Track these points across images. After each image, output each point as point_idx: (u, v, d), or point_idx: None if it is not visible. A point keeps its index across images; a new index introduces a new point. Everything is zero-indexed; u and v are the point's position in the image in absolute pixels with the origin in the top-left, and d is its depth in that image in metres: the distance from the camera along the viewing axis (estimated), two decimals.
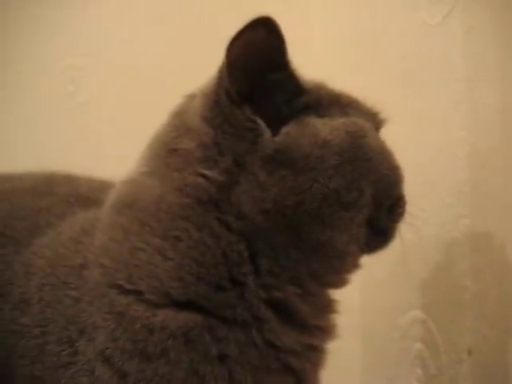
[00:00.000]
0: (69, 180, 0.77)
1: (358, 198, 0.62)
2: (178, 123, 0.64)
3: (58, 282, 0.63)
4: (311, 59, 1.03)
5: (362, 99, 0.67)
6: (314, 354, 0.65)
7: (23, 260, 0.65)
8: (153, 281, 0.60)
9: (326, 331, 0.66)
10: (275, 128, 0.61)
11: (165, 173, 0.63)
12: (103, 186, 0.70)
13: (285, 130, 0.61)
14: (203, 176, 0.60)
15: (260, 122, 0.60)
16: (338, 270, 0.65)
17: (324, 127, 0.63)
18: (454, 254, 0.80)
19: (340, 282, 0.66)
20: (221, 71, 0.59)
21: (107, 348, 0.59)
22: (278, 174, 0.60)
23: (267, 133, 0.61)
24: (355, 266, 0.66)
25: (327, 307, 0.66)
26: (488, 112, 0.78)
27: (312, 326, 0.64)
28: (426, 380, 0.86)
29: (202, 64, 1.24)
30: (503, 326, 0.76)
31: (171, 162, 0.63)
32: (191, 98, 0.65)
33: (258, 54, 0.59)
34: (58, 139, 1.24)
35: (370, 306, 0.98)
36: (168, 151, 0.63)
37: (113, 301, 0.60)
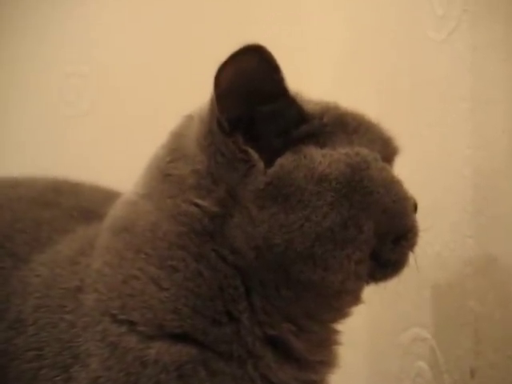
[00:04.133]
0: (75, 190, 0.76)
1: (355, 235, 0.59)
2: (175, 146, 0.62)
3: (53, 305, 0.62)
4: (313, 75, 1.03)
5: (375, 122, 0.64)
6: None
7: (21, 277, 0.64)
8: (147, 312, 0.58)
9: (325, 364, 0.64)
10: (270, 159, 0.58)
11: (159, 198, 0.61)
12: (108, 198, 0.69)
13: (279, 161, 0.59)
14: (196, 205, 0.59)
15: (252, 152, 0.58)
16: (335, 307, 0.63)
17: (323, 159, 0.60)
18: (458, 274, 0.80)
19: (339, 317, 0.64)
20: (212, 99, 0.57)
21: (100, 377, 0.58)
22: (269, 210, 0.58)
23: (260, 164, 0.58)
24: (355, 301, 0.64)
25: (326, 341, 0.64)
26: (493, 131, 0.77)
27: (310, 361, 0.62)
28: None
29: (205, 71, 1.24)
30: (507, 349, 0.75)
31: (165, 188, 0.61)
32: (189, 119, 0.63)
33: (248, 83, 0.57)
34: (59, 147, 1.24)
35: (373, 322, 0.97)
36: (163, 176, 0.62)
37: (106, 329, 0.59)
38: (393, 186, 0.61)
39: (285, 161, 0.58)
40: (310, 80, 1.04)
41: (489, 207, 0.77)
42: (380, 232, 0.60)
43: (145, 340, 0.58)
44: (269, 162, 0.58)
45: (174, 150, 0.62)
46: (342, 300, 0.63)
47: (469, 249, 0.78)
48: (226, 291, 0.58)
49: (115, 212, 0.64)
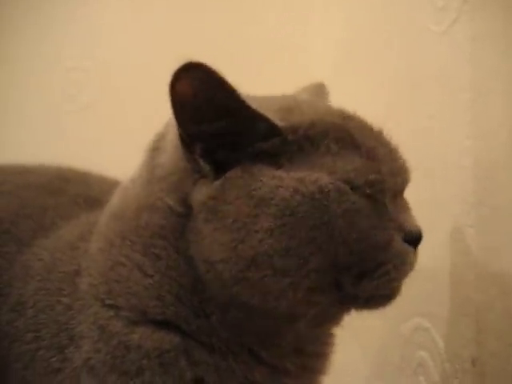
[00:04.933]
0: (82, 179, 0.77)
1: (300, 264, 0.55)
2: (163, 133, 0.63)
3: (52, 288, 0.64)
4: (311, 67, 1.03)
5: (374, 146, 0.59)
6: None
7: (24, 261, 0.66)
8: (131, 297, 0.60)
9: (306, 371, 0.64)
10: (221, 173, 0.57)
11: (140, 185, 0.62)
12: (114, 188, 0.69)
13: (226, 175, 0.57)
14: (162, 200, 0.59)
15: (203, 164, 0.57)
16: (297, 330, 0.61)
17: (268, 181, 0.56)
18: (459, 264, 0.80)
19: (315, 335, 0.63)
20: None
21: (91, 358, 0.60)
22: (211, 225, 0.56)
23: (210, 176, 0.57)
24: (327, 324, 0.63)
25: (301, 352, 0.63)
26: (493, 122, 0.77)
27: (283, 368, 0.62)
28: None
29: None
30: (508, 338, 0.76)
31: (144, 175, 0.62)
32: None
33: (196, 100, 0.55)
34: (60, 141, 1.24)
35: (373, 313, 0.97)
36: (145, 162, 0.63)
37: (96, 313, 0.61)
38: (356, 221, 0.56)
39: (230, 176, 0.57)
40: (309, 72, 1.05)
41: (489, 198, 0.77)
42: (339, 264, 0.56)
43: (129, 325, 0.59)
44: (219, 176, 0.57)
45: (161, 136, 0.63)
46: (303, 323, 0.60)
47: (469, 239, 0.78)
48: (198, 288, 0.59)
49: (112, 198, 0.66)
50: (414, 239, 0.60)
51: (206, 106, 0.55)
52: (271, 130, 0.57)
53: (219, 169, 0.57)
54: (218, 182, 0.57)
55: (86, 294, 0.62)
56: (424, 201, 0.80)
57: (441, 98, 0.81)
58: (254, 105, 0.56)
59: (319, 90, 0.74)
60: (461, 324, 0.79)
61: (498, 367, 0.76)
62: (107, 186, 0.74)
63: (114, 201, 0.65)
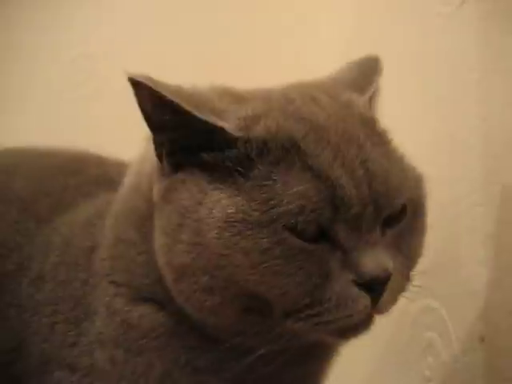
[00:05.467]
0: (100, 162, 0.78)
1: (222, 287, 0.53)
2: None
3: (70, 263, 0.65)
4: (322, 51, 1.04)
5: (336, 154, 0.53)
6: None
7: (44, 236, 0.67)
8: (129, 274, 0.61)
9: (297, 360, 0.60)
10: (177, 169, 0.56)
11: (136, 175, 0.63)
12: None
13: (174, 177, 0.56)
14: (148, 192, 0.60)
15: (165, 163, 0.57)
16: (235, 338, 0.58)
17: (196, 195, 0.54)
18: (468, 242, 0.81)
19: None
20: None
21: (101, 333, 0.61)
22: (157, 223, 0.57)
23: (166, 168, 0.56)
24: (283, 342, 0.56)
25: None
26: (501, 101, 0.77)
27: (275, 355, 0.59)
28: (438, 368, 0.86)
29: (215, 53, 1.25)
30: None
31: (140, 169, 0.63)
32: None
33: (145, 113, 0.55)
34: (69, 128, 1.25)
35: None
36: (142, 157, 0.64)
37: (105, 289, 0.62)
38: (265, 260, 0.51)
39: (175, 179, 0.56)
40: (317, 56, 1.06)
41: (498, 176, 0.77)
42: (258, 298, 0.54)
43: (129, 303, 0.61)
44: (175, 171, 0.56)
45: None
46: (236, 335, 0.57)
47: (478, 217, 0.79)
48: None
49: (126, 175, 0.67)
50: (367, 283, 0.52)
51: (158, 118, 0.54)
52: (226, 140, 0.54)
53: (178, 170, 0.57)
54: (166, 182, 0.56)
55: (98, 269, 0.63)
56: (432, 180, 0.81)
57: (449, 78, 0.82)
58: (214, 111, 0.54)
59: (372, 64, 0.68)
60: (469, 302, 0.79)
61: (506, 344, 0.77)
62: (123, 167, 0.75)
63: (126, 177, 0.66)
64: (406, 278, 0.58)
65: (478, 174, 0.78)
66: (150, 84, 0.53)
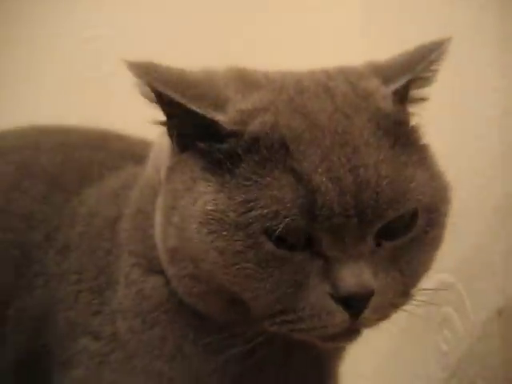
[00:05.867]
0: (123, 138, 0.78)
1: (207, 277, 0.54)
2: None
3: (94, 232, 0.66)
4: (337, 30, 1.03)
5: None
6: None
7: (71, 208, 0.68)
8: (143, 245, 0.62)
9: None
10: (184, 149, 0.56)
11: (160, 148, 0.63)
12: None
13: (176, 158, 0.56)
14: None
15: (175, 145, 0.56)
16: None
17: (186, 182, 0.54)
18: (484, 217, 0.81)
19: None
20: None
21: (121, 303, 0.62)
22: (158, 200, 0.58)
23: (175, 148, 0.56)
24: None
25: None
26: None
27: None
28: (454, 341, 0.87)
29: (226, 37, 1.25)
30: None
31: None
32: None
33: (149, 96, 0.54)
34: (82, 110, 1.25)
35: None
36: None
37: (125, 259, 0.63)
38: (237, 261, 0.51)
39: (177, 160, 0.56)
40: (335, 34, 1.06)
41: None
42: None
43: (144, 273, 0.61)
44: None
45: None
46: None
47: (495, 191, 0.79)
48: None
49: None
50: (344, 299, 0.49)
51: (159, 104, 0.54)
52: (220, 133, 0.52)
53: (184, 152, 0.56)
54: (172, 161, 0.56)
55: (121, 240, 0.64)
56: (451, 154, 0.81)
57: (469, 53, 0.82)
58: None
59: (430, 48, 0.59)
60: (486, 274, 0.80)
61: None
62: (145, 144, 0.76)
63: (149, 157, 0.67)
64: (401, 295, 0.53)
65: (496, 146, 0.79)
66: (147, 72, 0.52)
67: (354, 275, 0.49)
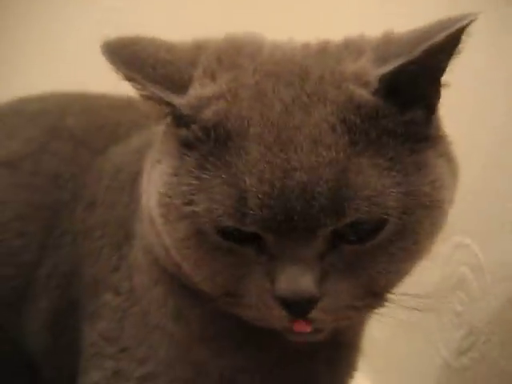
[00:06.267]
0: None
1: None
2: None
3: (118, 187, 0.68)
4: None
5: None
6: None
7: (98, 165, 0.71)
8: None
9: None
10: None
11: None
12: None
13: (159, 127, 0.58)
14: None
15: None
16: None
17: (154, 160, 0.58)
18: (499, 176, 0.81)
19: None
20: None
21: (136, 258, 0.65)
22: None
23: (168, 119, 0.55)
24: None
25: None
26: None
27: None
28: (470, 302, 0.88)
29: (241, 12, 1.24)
30: None
31: None
32: None
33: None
34: (97, 81, 1.26)
35: None
36: None
37: (140, 213, 0.64)
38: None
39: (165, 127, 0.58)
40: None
41: None
42: None
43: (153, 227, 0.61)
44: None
45: None
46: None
47: (510, 152, 0.79)
48: None
49: None
50: (281, 300, 0.50)
51: (128, 82, 0.54)
52: (180, 116, 0.52)
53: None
54: (165, 128, 0.57)
55: (138, 194, 0.65)
56: (467, 119, 0.82)
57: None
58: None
59: (443, 26, 0.51)
60: (502, 233, 0.81)
61: None
62: None
63: None
64: (364, 298, 0.52)
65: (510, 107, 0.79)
66: (114, 52, 0.52)
67: (291, 279, 0.49)
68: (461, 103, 0.70)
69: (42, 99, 0.81)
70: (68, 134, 0.73)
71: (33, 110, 0.77)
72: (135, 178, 0.66)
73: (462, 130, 0.75)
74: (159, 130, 0.58)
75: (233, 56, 0.54)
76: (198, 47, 0.56)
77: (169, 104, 0.52)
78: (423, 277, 0.97)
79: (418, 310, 0.53)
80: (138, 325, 0.64)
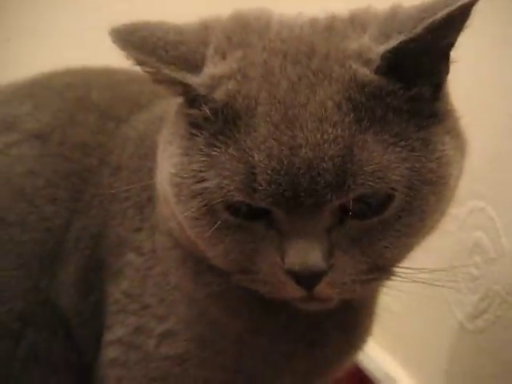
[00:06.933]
0: None
1: None
2: None
3: (142, 153, 0.71)
4: None
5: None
6: None
7: (123, 133, 0.74)
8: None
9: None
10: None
11: None
12: None
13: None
14: None
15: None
16: None
17: (164, 141, 0.62)
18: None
19: None
20: None
21: (157, 219, 0.67)
22: None
23: (180, 99, 0.57)
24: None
25: None
26: None
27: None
28: (485, 266, 0.89)
29: None
30: None
31: None
32: None
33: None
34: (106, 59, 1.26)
35: None
36: None
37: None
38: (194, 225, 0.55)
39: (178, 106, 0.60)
40: None
41: None
42: None
43: None
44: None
45: None
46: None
47: None
48: None
49: None
50: (292, 273, 0.51)
51: (140, 67, 0.56)
52: (194, 95, 0.53)
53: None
54: (177, 107, 0.59)
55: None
56: (484, 85, 0.81)
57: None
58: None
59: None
60: None
61: None
62: None
63: None
64: (369, 272, 0.53)
65: None
66: (124, 38, 0.53)
67: (299, 254, 0.50)
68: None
69: (69, 73, 0.83)
70: (93, 106, 0.76)
71: (60, 84, 0.80)
72: (156, 145, 0.67)
73: (475, 93, 0.74)
74: (172, 109, 0.60)
75: (242, 34, 0.55)
76: (206, 27, 0.56)
77: (182, 84, 0.53)
78: (439, 242, 0.99)
79: (428, 283, 0.55)
80: (159, 284, 0.66)
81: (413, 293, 0.95)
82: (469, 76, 0.73)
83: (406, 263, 0.58)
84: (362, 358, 1.05)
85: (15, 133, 0.74)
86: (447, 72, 0.55)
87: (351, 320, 0.66)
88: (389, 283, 0.58)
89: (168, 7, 1.25)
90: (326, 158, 0.48)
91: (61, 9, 1.29)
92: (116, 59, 0.56)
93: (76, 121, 0.75)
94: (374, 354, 1.11)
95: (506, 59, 0.81)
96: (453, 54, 0.54)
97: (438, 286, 0.56)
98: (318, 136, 0.48)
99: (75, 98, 0.77)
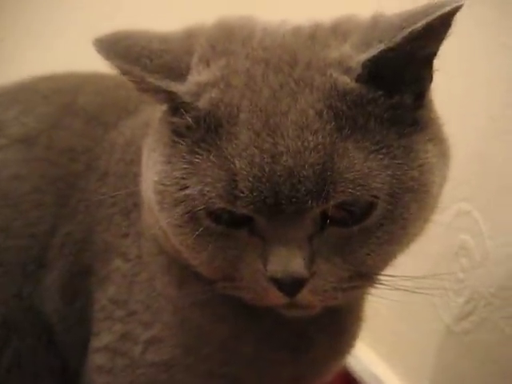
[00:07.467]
0: None
1: None
2: None
3: (128, 159, 0.71)
4: None
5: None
6: None
7: (110, 139, 0.73)
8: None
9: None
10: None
11: None
12: None
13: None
14: None
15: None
16: None
17: (156, 132, 0.60)
18: (501, 143, 0.81)
19: None
20: None
21: (142, 226, 0.66)
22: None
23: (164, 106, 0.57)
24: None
25: None
26: None
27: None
28: (471, 268, 0.89)
29: None
30: None
31: None
32: None
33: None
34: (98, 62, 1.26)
35: None
36: None
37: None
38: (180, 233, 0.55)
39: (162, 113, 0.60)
40: None
41: None
42: None
43: None
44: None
45: None
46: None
47: (510, 118, 0.79)
48: None
49: None
50: (274, 280, 0.51)
51: (124, 76, 0.56)
52: (178, 103, 0.53)
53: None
54: (161, 114, 0.59)
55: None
56: (468, 88, 0.81)
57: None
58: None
59: (427, 11, 0.49)
60: (502, 198, 0.82)
61: None
62: None
63: None
64: (351, 280, 0.53)
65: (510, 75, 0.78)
66: (107, 48, 0.53)
67: (281, 261, 0.50)
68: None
69: (56, 78, 0.83)
70: (81, 111, 0.76)
71: (47, 88, 0.80)
72: (141, 150, 0.67)
73: (459, 97, 0.75)
74: (156, 115, 0.60)
75: (225, 42, 0.55)
76: (191, 35, 0.56)
77: (167, 92, 0.53)
78: (425, 245, 0.99)
79: (411, 291, 0.55)
80: (145, 290, 0.66)
81: (399, 296, 0.96)
82: (452, 80, 0.74)
83: (390, 270, 0.58)
84: (349, 360, 1.05)
85: (1, 138, 0.74)
86: (430, 80, 0.55)
87: (336, 326, 0.66)
88: (373, 290, 0.59)
89: (158, 10, 1.26)
90: (307, 165, 0.48)
91: (54, 9, 1.28)
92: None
93: (63, 126, 0.74)
94: (362, 355, 1.12)
95: (489, 62, 0.81)
96: (436, 61, 0.54)
97: (422, 293, 0.56)
98: (299, 144, 0.48)
99: (62, 103, 0.77)
